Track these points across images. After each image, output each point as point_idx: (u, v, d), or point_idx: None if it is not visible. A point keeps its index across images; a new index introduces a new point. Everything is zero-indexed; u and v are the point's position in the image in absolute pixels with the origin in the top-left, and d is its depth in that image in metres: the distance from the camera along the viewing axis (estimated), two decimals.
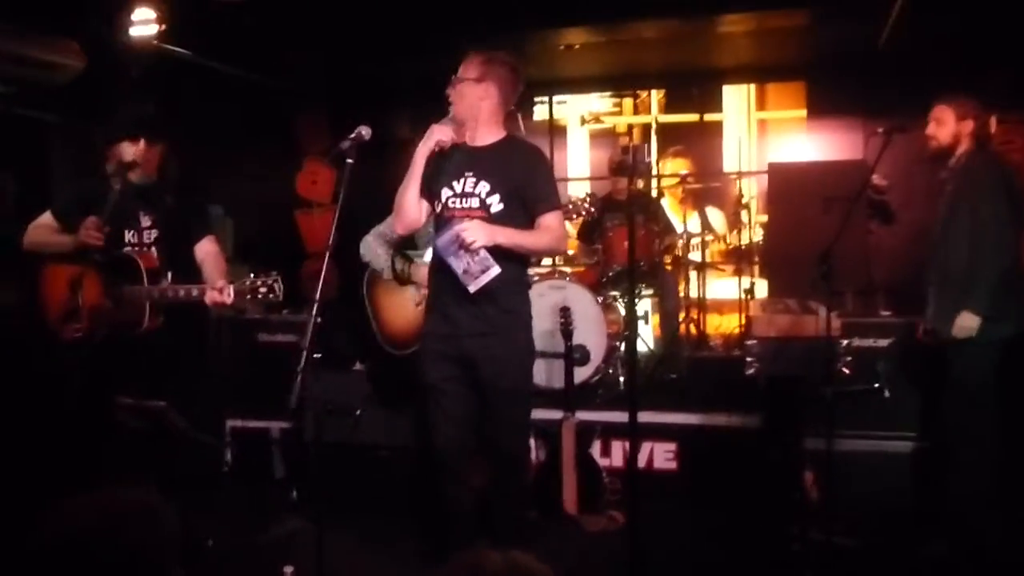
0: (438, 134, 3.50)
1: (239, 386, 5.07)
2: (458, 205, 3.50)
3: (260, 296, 3.55)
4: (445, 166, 3.54)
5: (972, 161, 4.08)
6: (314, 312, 3.20)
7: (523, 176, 3.53)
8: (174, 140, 4.18)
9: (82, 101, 5.14)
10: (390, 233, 4.14)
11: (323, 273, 3.28)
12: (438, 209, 3.55)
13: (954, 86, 4.24)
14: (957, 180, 4.08)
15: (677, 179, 6.53)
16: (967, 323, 3.90)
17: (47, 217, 4.00)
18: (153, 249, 3.92)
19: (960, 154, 4.09)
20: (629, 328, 3.74)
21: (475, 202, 3.49)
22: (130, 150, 3.88)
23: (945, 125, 4.08)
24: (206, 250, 4.02)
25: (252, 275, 3.58)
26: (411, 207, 3.56)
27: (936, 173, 4.26)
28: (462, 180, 3.51)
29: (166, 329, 3.86)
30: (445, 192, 3.52)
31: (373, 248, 4.32)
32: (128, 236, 3.91)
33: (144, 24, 5.11)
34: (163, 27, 5.09)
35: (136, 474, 3.33)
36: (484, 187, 3.49)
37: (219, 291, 3.61)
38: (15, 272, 4.20)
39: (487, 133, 3.56)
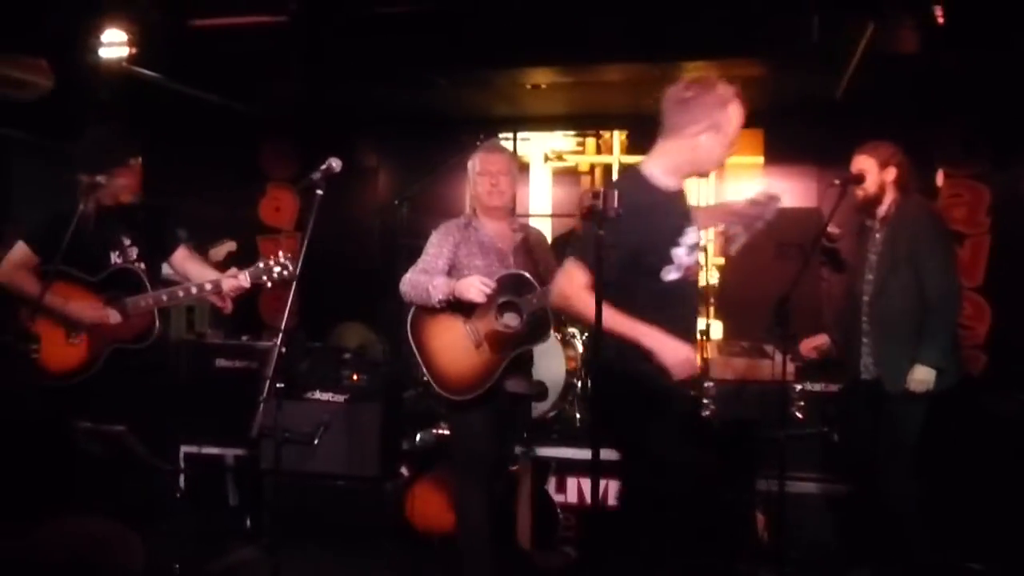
0: None
1: (195, 411, 5.02)
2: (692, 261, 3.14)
3: (276, 275, 3.60)
4: (659, 227, 3.03)
5: (906, 210, 4.03)
6: (279, 341, 3.21)
7: None
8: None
9: (49, 119, 5.10)
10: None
11: (289, 302, 3.30)
12: (673, 275, 3.06)
13: (908, 140, 4.25)
14: (892, 229, 4.04)
15: None
16: (924, 377, 3.87)
17: (22, 250, 3.77)
18: (140, 264, 3.88)
19: (889, 203, 4.06)
20: (591, 366, 3.77)
21: (700, 255, 3.18)
22: (122, 178, 3.79)
23: (869, 174, 4.04)
24: (183, 256, 4.01)
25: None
26: None
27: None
28: (686, 233, 3.09)
29: (157, 342, 3.85)
30: (679, 253, 3.05)
31: (423, 284, 3.77)
32: (114, 257, 3.85)
33: (114, 46, 5.11)
34: (133, 50, 5.09)
35: (98, 501, 3.29)
36: (699, 235, 3.21)
37: (234, 277, 3.65)
38: None
39: None
